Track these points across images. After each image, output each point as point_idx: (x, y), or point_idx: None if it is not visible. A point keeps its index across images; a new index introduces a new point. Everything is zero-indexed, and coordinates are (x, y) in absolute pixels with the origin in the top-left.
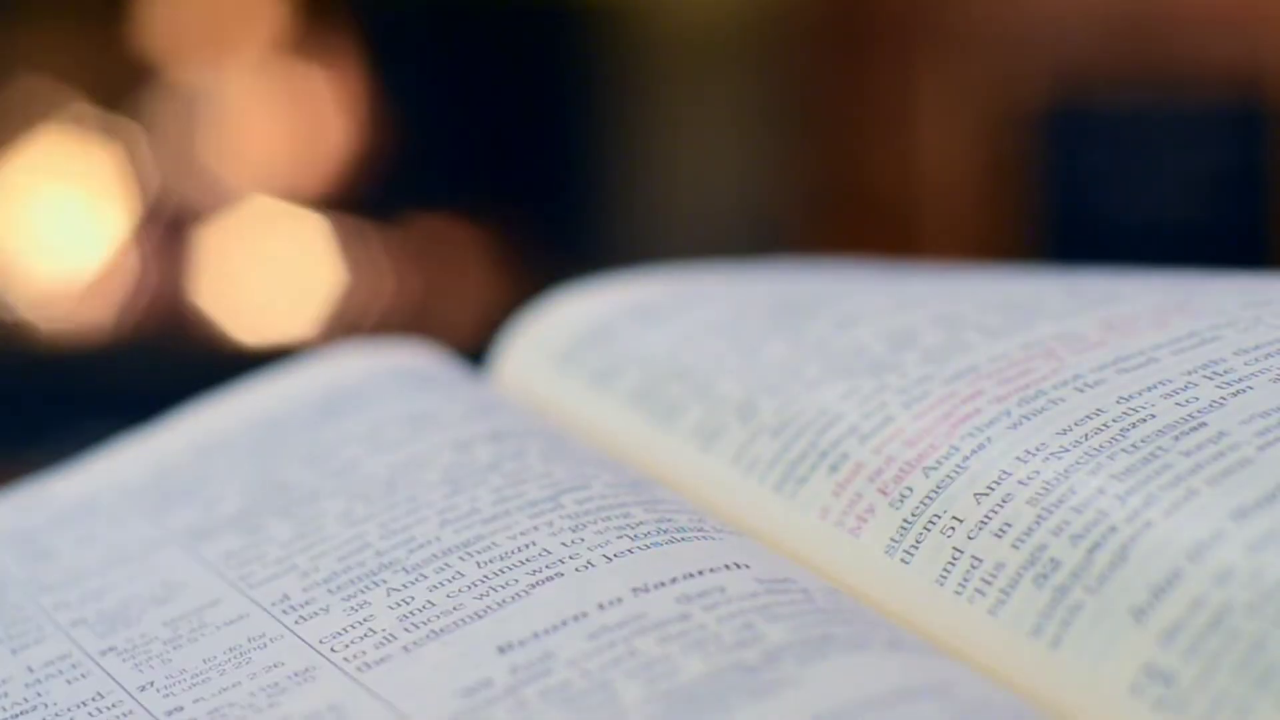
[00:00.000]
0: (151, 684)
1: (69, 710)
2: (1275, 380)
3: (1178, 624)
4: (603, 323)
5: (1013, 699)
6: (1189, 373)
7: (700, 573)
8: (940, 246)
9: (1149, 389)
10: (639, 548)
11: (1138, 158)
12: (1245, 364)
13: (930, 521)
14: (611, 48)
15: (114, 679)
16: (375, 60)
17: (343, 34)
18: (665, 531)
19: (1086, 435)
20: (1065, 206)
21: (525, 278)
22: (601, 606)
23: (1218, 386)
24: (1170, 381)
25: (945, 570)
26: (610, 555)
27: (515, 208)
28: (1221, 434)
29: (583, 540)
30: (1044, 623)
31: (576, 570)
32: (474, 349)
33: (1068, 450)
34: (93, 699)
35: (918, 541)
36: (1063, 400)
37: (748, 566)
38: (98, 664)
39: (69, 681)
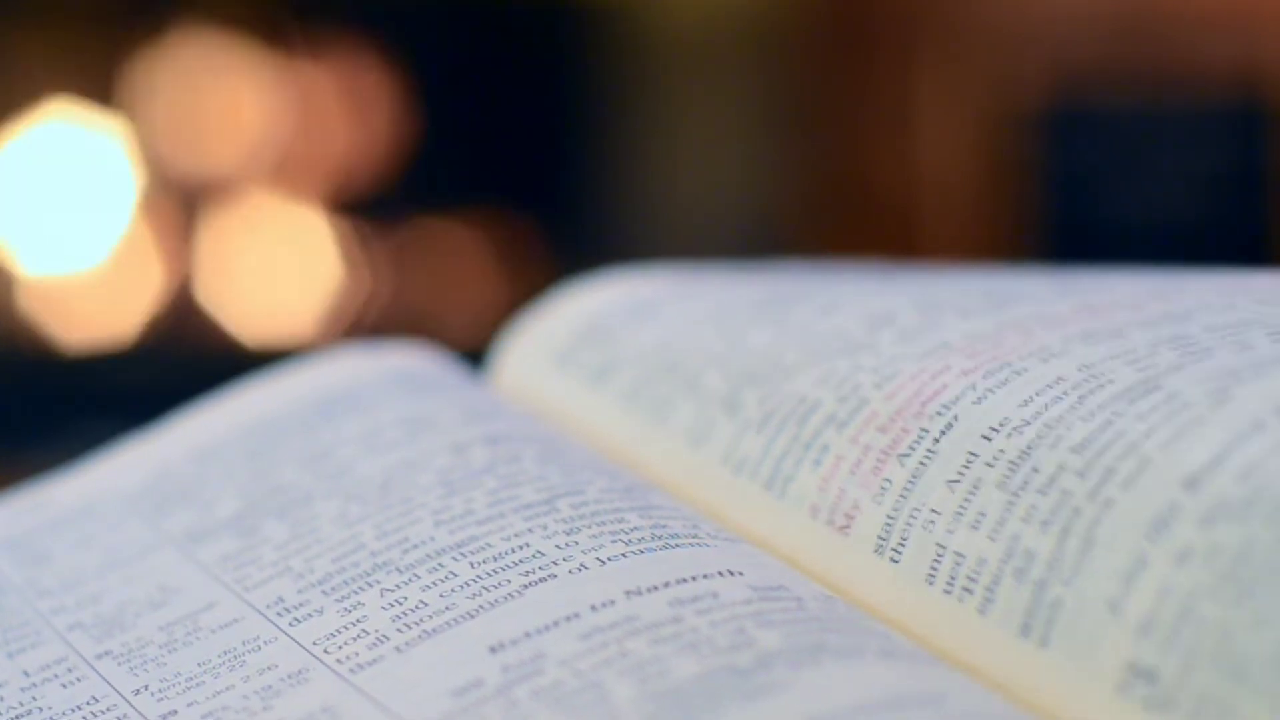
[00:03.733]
0: (146, 688)
1: (64, 714)
2: (1238, 349)
3: (1151, 615)
4: (599, 320)
5: (1007, 709)
6: (1154, 343)
7: (693, 578)
8: (940, 246)
9: (1112, 357)
10: (633, 552)
11: (1138, 158)
12: (1211, 337)
13: (911, 515)
14: (611, 48)
15: (109, 683)
16: (376, 61)
17: (344, 34)
18: (659, 537)
19: (1047, 405)
20: (1065, 206)
21: (525, 278)
22: (594, 608)
23: (1179, 354)
24: (1134, 350)
25: (932, 568)
26: (604, 559)
27: (515, 208)
28: (1175, 395)
29: (576, 544)
30: (1030, 621)
31: (569, 573)
32: (474, 349)
33: (1029, 423)
34: (88, 703)
35: (903, 539)
36: (1026, 370)
37: (741, 573)
38: (93, 668)
39: (64, 685)
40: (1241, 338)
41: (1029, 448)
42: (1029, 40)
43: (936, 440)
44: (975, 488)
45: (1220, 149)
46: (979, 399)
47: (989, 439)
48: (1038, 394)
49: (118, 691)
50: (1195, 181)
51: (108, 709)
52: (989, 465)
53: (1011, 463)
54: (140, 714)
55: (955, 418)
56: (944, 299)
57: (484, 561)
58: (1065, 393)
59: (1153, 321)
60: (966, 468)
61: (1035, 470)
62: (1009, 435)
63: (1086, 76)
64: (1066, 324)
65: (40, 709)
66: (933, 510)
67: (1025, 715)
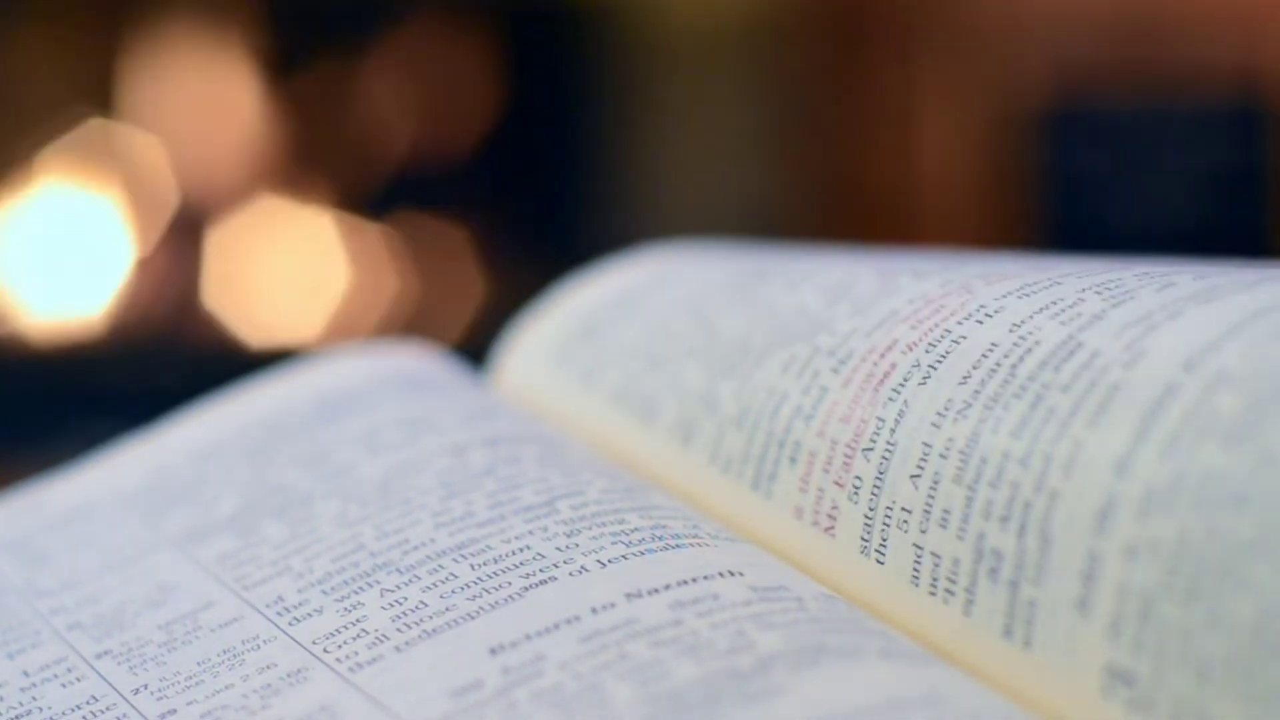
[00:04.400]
0: (145, 687)
1: (64, 714)
2: (1160, 289)
3: (1116, 616)
4: (591, 316)
5: (1006, 708)
6: (1082, 290)
7: (694, 580)
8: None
9: (1040, 311)
10: (633, 554)
11: (1138, 158)
12: (1138, 280)
13: (886, 515)
14: (611, 48)
15: (109, 682)
16: (377, 62)
17: (345, 35)
18: (659, 538)
19: (984, 381)
20: (1065, 206)
21: (525, 278)
22: (594, 610)
23: (1103, 300)
24: (1062, 300)
25: (915, 570)
26: (604, 561)
27: (516, 208)
28: (1095, 354)
29: (577, 545)
30: (1011, 623)
31: (570, 575)
32: (474, 349)
33: (970, 405)
34: (87, 702)
35: (884, 540)
36: (964, 338)
37: (741, 574)
38: (93, 668)
39: (64, 685)
40: (1167, 279)
41: (974, 434)
42: (1029, 40)
43: (893, 431)
44: (935, 482)
45: (1220, 149)
46: (924, 379)
47: (938, 426)
48: (974, 367)
49: (117, 691)
50: (1195, 181)
51: (107, 708)
52: (942, 456)
53: (962, 452)
54: (140, 713)
55: (905, 403)
56: (902, 264)
57: (484, 564)
58: (998, 363)
59: (1090, 270)
60: (924, 460)
61: (984, 460)
62: (954, 420)
63: (1086, 76)
64: (1008, 279)
65: (40, 709)
66: (903, 509)
67: (1025, 715)
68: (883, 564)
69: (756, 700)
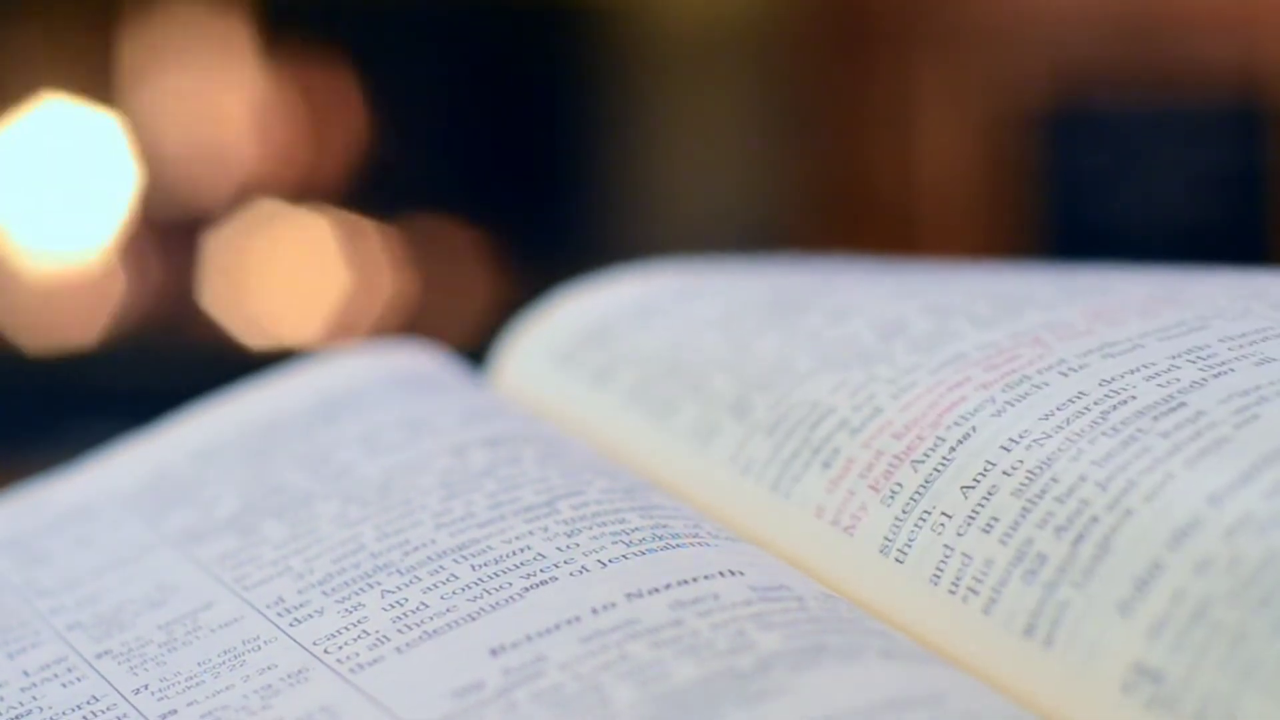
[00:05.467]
0: (146, 687)
1: (64, 714)
2: (1258, 364)
3: (1162, 618)
4: (602, 322)
5: (1008, 708)
6: (1173, 357)
7: (694, 579)
8: (940, 246)
9: (1131, 371)
10: (634, 554)
11: (1138, 158)
12: (1229, 349)
13: (921, 518)
14: (611, 48)
15: (109, 682)
16: (377, 60)
17: (344, 35)
18: (660, 538)
19: (1069, 419)
20: (1065, 206)
21: (525, 278)
22: (595, 611)
23: (1200, 369)
24: (1153, 365)
25: (938, 569)
26: (604, 561)
27: (515, 208)
28: (1200, 413)
29: (577, 545)
30: (1036, 621)
31: (570, 575)
32: (474, 349)
33: (1050, 436)
34: (87, 702)
35: (910, 540)
36: (1046, 385)
37: (742, 574)
38: (93, 667)
39: (64, 685)
40: (1260, 350)
41: (1049, 459)
42: (1029, 40)
43: (953, 449)
44: (990, 493)
45: (1220, 149)
46: (999, 411)
47: (1008, 449)
48: (1059, 408)
49: (118, 691)
50: (1195, 181)
51: (108, 708)
52: (1006, 474)
53: (1030, 472)
54: (140, 713)
55: (973, 428)
56: (952, 304)
57: (485, 564)
58: (1087, 408)
59: (1169, 332)
60: (983, 474)
61: (1054, 480)
62: (1029, 447)
63: (1086, 76)
64: (1081, 335)
65: (40, 709)
66: (943, 514)
67: (1026, 715)
68: (901, 563)
69: (757, 700)
